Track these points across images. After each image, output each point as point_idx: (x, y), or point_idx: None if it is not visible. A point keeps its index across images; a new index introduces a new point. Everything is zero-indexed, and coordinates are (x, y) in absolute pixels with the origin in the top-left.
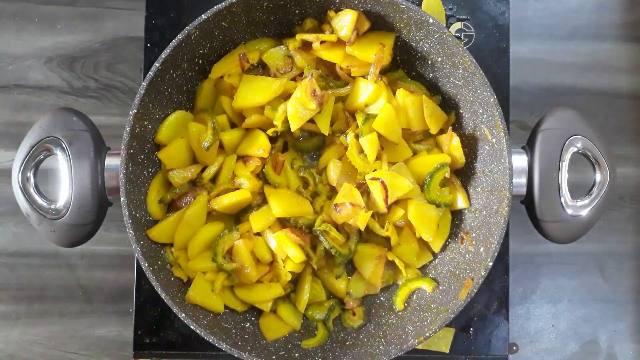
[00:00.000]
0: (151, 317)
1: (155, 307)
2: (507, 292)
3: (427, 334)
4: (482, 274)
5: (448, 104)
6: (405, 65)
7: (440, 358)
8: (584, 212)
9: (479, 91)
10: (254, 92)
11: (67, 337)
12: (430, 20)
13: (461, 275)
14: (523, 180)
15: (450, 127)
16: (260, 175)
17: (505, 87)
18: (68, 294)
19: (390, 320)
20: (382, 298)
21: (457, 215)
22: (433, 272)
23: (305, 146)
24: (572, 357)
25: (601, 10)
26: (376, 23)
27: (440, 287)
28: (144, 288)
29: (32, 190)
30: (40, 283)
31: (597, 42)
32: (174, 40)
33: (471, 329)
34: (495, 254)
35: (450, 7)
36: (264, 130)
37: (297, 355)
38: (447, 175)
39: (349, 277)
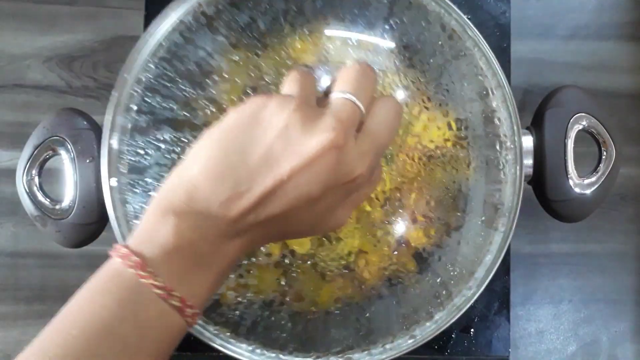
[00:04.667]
0: None
1: None
2: (508, 293)
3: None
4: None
5: (451, 96)
6: (406, 57)
7: (441, 358)
8: (591, 190)
9: (483, 71)
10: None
11: None
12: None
13: (462, 271)
14: (530, 161)
15: (453, 120)
16: None
17: None
18: (67, 294)
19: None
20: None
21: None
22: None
23: None
24: (573, 357)
25: (603, 9)
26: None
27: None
28: None
29: (36, 190)
30: (39, 283)
31: (599, 41)
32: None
33: (472, 329)
34: (511, 235)
35: None
36: None
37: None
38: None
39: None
